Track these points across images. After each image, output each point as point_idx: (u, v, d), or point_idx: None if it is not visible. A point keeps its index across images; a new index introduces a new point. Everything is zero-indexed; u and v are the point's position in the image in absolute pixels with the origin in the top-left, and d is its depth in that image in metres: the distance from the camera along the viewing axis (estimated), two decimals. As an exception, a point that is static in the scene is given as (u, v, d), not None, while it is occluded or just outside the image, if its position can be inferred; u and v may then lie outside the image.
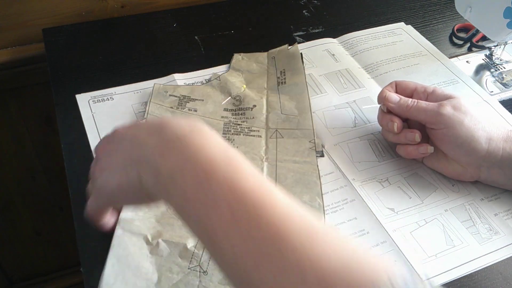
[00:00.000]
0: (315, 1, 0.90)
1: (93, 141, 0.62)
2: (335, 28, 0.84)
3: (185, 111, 0.64)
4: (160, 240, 0.50)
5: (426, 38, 0.82)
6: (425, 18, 0.88)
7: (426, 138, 0.60)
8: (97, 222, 0.48)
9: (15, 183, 1.03)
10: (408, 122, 0.61)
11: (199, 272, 0.48)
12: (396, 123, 0.59)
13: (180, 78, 0.72)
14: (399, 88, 0.62)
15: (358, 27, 0.83)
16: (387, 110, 0.61)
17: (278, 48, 0.75)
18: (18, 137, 0.96)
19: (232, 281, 0.33)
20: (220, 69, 0.74)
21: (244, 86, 0.68)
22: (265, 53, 0.75)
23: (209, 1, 0.89)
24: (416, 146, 0.59)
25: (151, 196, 0.38)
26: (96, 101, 0.68)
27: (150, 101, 0.65)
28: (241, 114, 0.65)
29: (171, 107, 0.64)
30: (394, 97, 0.59)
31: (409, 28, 0.84)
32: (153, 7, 0.88)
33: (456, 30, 0.84)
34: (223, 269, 0.33)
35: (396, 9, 0.89)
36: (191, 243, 0.50)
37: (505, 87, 0.74)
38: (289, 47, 0.75)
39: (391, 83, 0.63)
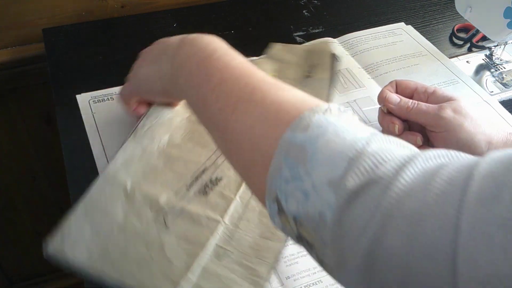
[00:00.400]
0: (315, 1, 0.90)
1: (94, 141, 0.62)
2: (335, 28, 0.84)
3: None
4: (137, 191, 0.53)
5: (426, 38, 0.82)
6: (425, 18, 0.88)
7: (426, 139, 0.59)
8: (126, 105, 0.60)
9: (15, 183, 1.03)
10: (408, 123, 0.61)
11: (162, 224, 0.51)
12: (397, 125, 0.59)
13: (180, 78, 0.71)
14: (399, 87, 0.62)
15: (358, 27, 0.83)
16: (387, 111, 0.60)
17: (313, 42, 0.76)
18: (18, 137, 0.96)
19: (214, 133, 0.44)
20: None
21: (273, 74, 0.67)
22: (302, 45, 0.76)
23: (209, 1, 0.89)
24: (408, 134, 0.59)
25: (166, 90, 0.52)
26: (97, 101, 0.68)
27: None
28: None
29: None
30: (395, 98, 0.59)
31: (409, 28, 0.84)
32: (153, 7, 0.88)
33: (456, 30, 0.84)
34: (208, 127, 0.44)
35: (396, 9, 0.89)
36: (163, 199, 0.53)
37: (505, 87, 0.75)
38: (326, 43, 0.76)
39: (391, 82, 0.62)
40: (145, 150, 0.57)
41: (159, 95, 0.56)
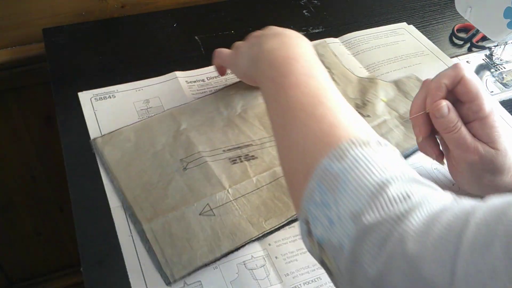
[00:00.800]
0: (315, 1, 0.90)
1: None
2: (335, 28, 0.84)
3: None
4: (185, 134, 0.62)
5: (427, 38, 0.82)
6: (425, 18, 0.88)
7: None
8: (217, 65, 0.67)
9: (15, 183, 1.03)
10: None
11: (182, 167, 0.58)
12: (421, 138, 0.53)
13: (181, 76, 0.72)
14: (459, 88, 0.50)
15: (358, 27, 0.83)
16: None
17: (369, 78, 0.73)
18: (18, 137, 0.96)
19: (274, 127, 0.47)
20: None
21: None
22: (358, 76, 0.73)
23: (209, 1, 0.89)
24: (434, 151, 0.54)
25: (249, 71, 0.56)
26: (98, 98, 0.68)
27: None
28: None
29: None
30: (444, 110, 0.50)
31: (411, 28, 0.84)
32: (153, 7, 0.88)
33: (456, 30, 0.84)
34: (271, 119, 0.47)
35: (396, 9, 0.89)
36: (199, 149, 0.60)
37: (505, 87, 0.75)
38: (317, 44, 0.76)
39: (455, 72, 0.51)
40: (217, 110, 0.66)
41: (243, 74, 0.61)
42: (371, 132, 0.40)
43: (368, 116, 0.65)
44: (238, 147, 0.61)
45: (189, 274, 0.50)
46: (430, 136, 0.54)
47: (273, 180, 0.58)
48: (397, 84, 0.70)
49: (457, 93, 0.51)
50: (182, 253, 0.51)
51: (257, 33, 0.59)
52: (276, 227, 0.54)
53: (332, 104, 0.43)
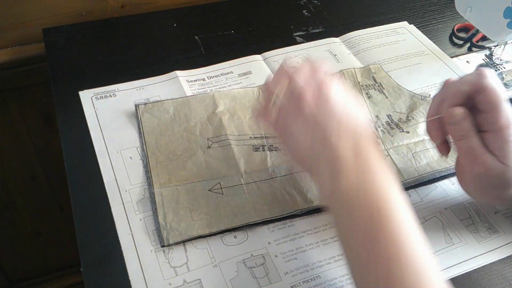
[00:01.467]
0: (315, 1, 0.90)
1: (96, 138, 0.62)
2: (335, 28, 0.84)
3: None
4: (219, 116, 0.65)
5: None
6: (425, 18, 0.88)
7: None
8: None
9: (15, 183, 1.03)
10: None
11: (207, 145, 0.62)
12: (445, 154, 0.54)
13: (182, 75, 0.72)
14: (481, 95, 0.49)
15: (358, 27, 0.83)
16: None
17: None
18: (18, 137, 0.96)
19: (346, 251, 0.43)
20: (221, 66, 0.74)
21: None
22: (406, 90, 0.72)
23: (209, 1, 0.89)
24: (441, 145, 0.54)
25: (306, 161, 0.49)
26: (99, 97, 0.68)
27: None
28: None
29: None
30: (460, 114, 0.49)
31: (412, 27, 0.84)
32: (153, 7, 0.88)
33: (456, 30, 0.84)
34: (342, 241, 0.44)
35: (396, 9, 0.89)
36: (227, 131, 0.63)
37: (505, 87, 0.75)
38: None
39: (432, 104, 0.53)
40: (257, 99, 0.68)
41: (298, 160, 0.50)
42: None
43: (408, 132, 0.65)
44: (265, 137, 0.63)
45: (183, 242, 0.52)
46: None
47: (288, 174, 0.59)
48: None
49: (476, 101, 0.49)
50: (182, 221, 0.53)
51: (298, 89, 0.49)
52: (276, 218, 0.55)
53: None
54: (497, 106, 0.48)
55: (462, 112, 0.49)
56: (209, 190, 0.57)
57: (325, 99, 0.47)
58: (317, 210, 0.56)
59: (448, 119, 0.50)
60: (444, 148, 0.54)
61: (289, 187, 0.58)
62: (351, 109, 0.47)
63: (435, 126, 0.53)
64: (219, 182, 0.58)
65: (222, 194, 0.57)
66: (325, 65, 0.51)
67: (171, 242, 0.52)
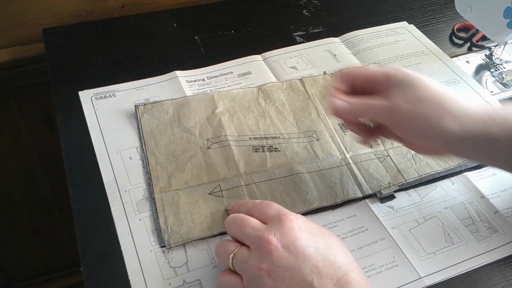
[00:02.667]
0: (315, 1, 0.90)
1: (96, 138, 0.62)
2: (335, 28, 0.84)
3: None
4: (218, 117, 0.65)
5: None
6: (425, 18, 0.88)
7: None
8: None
9: (15, 183, 1.03)
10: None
11: (206, 146, 0.62)
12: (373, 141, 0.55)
13: (182, 75, 0.72)
14: (356, 80, 0.53)
15: (358, 27, 0.83)
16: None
17: None
18: (18, 137, 0.96)
19: None
20: (221, 66, 0.74)
21: None
22: None
23: (209, 1, 0.89)
24: (366, 135, 0.55)
25: None
26: (99, 98, 0.68)
27: None
28: None
29: None
30: (345, 107, 0.52)
31: (412, 27, 0.84)
32: (153, 7, 0.88)
33: (456, 30, 0.84)
34: None
35: (395, 9, 0.89)
36: (227, 132, 0.63)
37: (505, 87, 0.75)
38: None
39: (341, 76, 0.54)
40: (256, 100, 0.68)
41: None
42: None
43: None
44: (265, 137, 0.63)
45: (184, 244, 0.52)
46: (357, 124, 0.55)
47: (288, 175, 0.59)
48: None
49: (360, 85, 0.53)
50: (183, 225, 0.54)
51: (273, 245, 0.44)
52: None
53: None
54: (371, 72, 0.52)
55: (337, 99, 0.52)
56: (209, 193, 0.57)
57: (294, 246, 0.43)
58: (316, 211, 0.57)
59: (332, 112, 0.53)
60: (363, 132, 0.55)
61: (289, 188, 0.58)
62: (322, 248, 0.44)
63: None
64: (219, 185, 0.58)
65: (222, 196, 0.57)
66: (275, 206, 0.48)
67: (172, 245, 0.52)
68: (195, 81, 0.71)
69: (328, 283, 0.42)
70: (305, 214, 0.56)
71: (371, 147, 0.58)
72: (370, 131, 0.55)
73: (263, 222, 0.47)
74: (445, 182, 0.60)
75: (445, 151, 0.52)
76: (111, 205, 0.55)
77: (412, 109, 0.49)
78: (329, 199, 0.57)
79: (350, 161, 0.61)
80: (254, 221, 0.47)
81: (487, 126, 0.48)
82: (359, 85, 0.53)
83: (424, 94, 0.49)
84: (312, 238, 0.44)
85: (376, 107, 0.50)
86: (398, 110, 0.49)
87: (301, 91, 0.70)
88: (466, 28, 0.85)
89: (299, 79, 0.71)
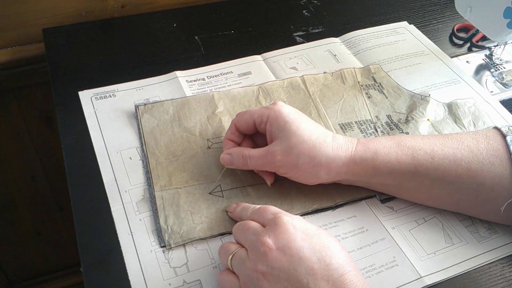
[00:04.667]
0: (315, 1, 0.90)
1: (96, 138, 0.62)
2: (335, 28, 0.84)
3: None
4: (217, 116, 0.65)
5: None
6: (425, 18, 0.88)
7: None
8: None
9: (15, 183, 1.03)
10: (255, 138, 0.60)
11: (207, 146, 0.62)
12: (268, 180, 0.57)
13: (181, 75, 0.72)
14: (240, 128, 0.58)
15: (358, 27, 0.83)
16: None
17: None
18: (18, 137, 0.96)
19: None
20: (221, 66, 0.74)
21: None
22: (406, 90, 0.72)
23: (209, 1, 0.89)
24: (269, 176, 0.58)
25: None
26: (99, 98, 0.68)
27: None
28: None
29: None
30: (227, 158, 0.56)
31: (412, 27, 0.84)
32: (153, 7, 0.88)
33: (456, 30, 0.84)
34: None
35: (396, 9, 0.89)
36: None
37: (505, 87, 0.75)
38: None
39: (230, 127, 0.58)
40: (256, 99, 0.68)
41: None
42: None
43: (407, 133, 0.64)
44: None
45: (184, 244, 0.52)
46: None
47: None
48: (450, 106, 0.68)
49: (245, 131, 0.58)
50: (183, 224, 0.54)
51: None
52: None
53: None
54: (251, 117, 0.56)
55: (230, 136, 0.58)
56: (209, 193, 0.57)
57: (288, 248, 0.44)
58: (316, 212, 0.57)
59: (226, 164, 0.57)
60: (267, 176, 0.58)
61: (289, 189, 0.58)
62: (318, 248, 0.44)
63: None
64: (219, 185, 0.58)
65: (222, 197, 0.57)
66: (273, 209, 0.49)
67: (172, 245, 0.52)
68: (195, 80, 0.71)
69: (323, 285, 0.42)
70: (305, 214, 0.56)
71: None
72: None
73: (263, 226, 0.47)
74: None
75: (329, 182, 0.57)
76: (111, 205, 0.55)
77: (286, 161, 0.53)
78: (329, 201, 0.57)
79: None
80: (254, 225, 0.47)
81: (353, 170, 0.54)
82: (245, 130, 0.57)
83: (296, 145, 0.52)
84: (308, 239, 0.44)
85: (254, 157, 0.55)
86: (274, 162, 0.54)
87: (301, 89, 0.70)
88: (466, 28, 0.85)
89: (300, 77, 0.71)
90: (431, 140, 0.54)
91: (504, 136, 0.53)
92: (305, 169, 0.53)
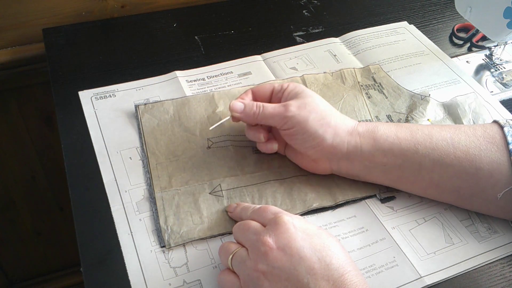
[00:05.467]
0: (315, 1, 0.90)
1: (96, 138, 0.62)
2: (335, 28, 0.84)
3: None
4: (218, 115, 0.65)
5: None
6: (425, 18, 0.88)
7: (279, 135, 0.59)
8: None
9: (15, 183, 1.03)
10: None
11: (207, 145, 0.62)
12: (262, 134, 0.58)
13: (181, 75, 0.72)
14: (257, 95, 0.59)
15: (358, 27, 0.83)
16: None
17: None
18: (18, 137, 0.96)
19: None
20: (221, 66, 0.74)
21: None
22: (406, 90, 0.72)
23: (209, 1, 0.89)
24: (264, 143, 0.59)
25: None
26: (99, 98, 0.68)
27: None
28: None
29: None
30: (238, 105, 0.57)
31: (412, 27, 0.84)
32: (153, 7, 0.88)
33: (456, 30, 0.84)
34: None
35: (396, 9, 0.89)
36: (227, 131, 0.63)
37: (505, 87, 0.75)
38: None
39: (246, 91, 0.60)
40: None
41: None
42: None
43: None
44: None
45: (184, 244, 0.52)
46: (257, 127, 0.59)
47: (288, 177, 0.59)
48: (449, 106, 0.68)
49: (261, 99, 0.59)
50: (183, 225, 0.54)
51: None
52: None
53: None
54: (271, 86, 0.59)
55: (244, 97, 0.58)
56: (209, 193, 0.57)
57: (289, 247, 0.44)
58: (316, 212, 0.57)
59: (235, 113, 0.57)
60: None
61: (289, 189, 0.58)
62: (319, 248, 0.44)
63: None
64: (219, 185, 0.58)
65: (222, 197, 0.57)
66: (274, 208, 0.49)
67: (172, 245, 0.52)
68: (195, 80, 0.71)
69: (324, 284, 0.42)
70: (305, 214, 0.56)
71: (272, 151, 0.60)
72: (266, 138, 0.59)
73: (263, 225, 0.47)
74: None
75: (330, 167, 0.58)
76: (111, 205, 0.55)
77: (298, 113, 0.54)
78: (329, 200, 0.57)
79: None
80: (254, 225, 0.47)
81: (355, 140, 0.55)
82: (261, 96, 0.59)
83: (311, 104, 0.55)
84: (308, 239, 0.44)
85: (268, 107, 0.56)
86: (287, 113, 0.54)
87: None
88: (466, 28, 0.85)
89: (300, 77, 0.71)
90: (428, 126, 0.57)
91: (501, 127, 0.54)
92: (313, 126, 0.54)
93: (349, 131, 0.55)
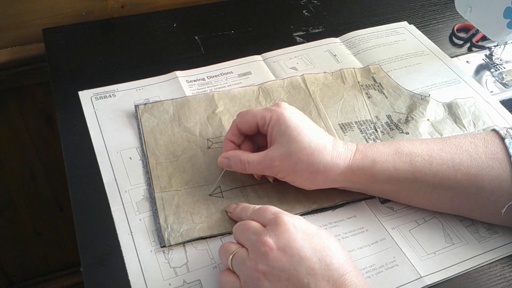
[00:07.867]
0: (315, 1, 0.90)
1: (96, 138, 0.62)
2: (335, 28, 0.84)
3: None
4: (218, 116, 0.65)
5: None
6: (425, 18, 0.88)
7: None
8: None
9: (15, 183, 1.03)
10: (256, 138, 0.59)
11: (206, 146, 0.62)
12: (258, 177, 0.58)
13: (181, 75, 0.72)
14: (242, 129, 0.57)
15: (358, 27, 0.83)
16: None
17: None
18: (18, 137, 0.96)
19: None
20: (221, 66, 0.74)
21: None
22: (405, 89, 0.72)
23: (209, 1, 0.89)
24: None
25: None
26: (99, 98, 0.68)
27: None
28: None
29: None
30: (225, 162, 0.56)
31: (412, 27, 0.84)
32: (153, 7, 0.88)
33: (456, 30, 0.84)
34: None
35: (396, 9, 0.89)
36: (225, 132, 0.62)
37: (505, 87, 0.75)
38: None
39: (231, 127, 0.57)
40: (257, 99, 0.68)
41: None
42: None
43: (407, 133, 0.64)
44: None
45: (184, 243, 0.52)
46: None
47: None
48: (450, 106, 0.68)
49: (246, 131, 0.57)
50: (183, 224, 0.54)
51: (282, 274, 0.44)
52: None
53: None
54: (254, 117, 0.56)
55: (230, 137, 0.57)
56: (209, 194, 0.57)
57: (289, 248, 0.44)
58: (316, 212, 0.57)
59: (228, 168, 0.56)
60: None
61: (289, 189, 0.58)
62: (319, 249, 0.44)
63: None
64: (219, 186, 0.58)
65: (222, 197, 0.57)
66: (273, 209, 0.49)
67: (172, 243, 0.52)
68: (195, 80, 0.71)
69: (324, 285, 0.42)
70: (305, 214, 0.56)
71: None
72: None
73: (263, 226, 0.47)
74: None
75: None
76: (111, 205, 0.55)
77: (283, 166, 0.53)
78: (329, 200, 0.57)
79: None
80: (254, 225, 0.47)
81: (350, 179, 0.54)
82: (247, 131, 0.57)
83: (295, 152, 0.52)
84: (308, 239, 0.44)
85: (253, 163, 0.54)
86: (272, 168, 0.54)
87: (302, 89, 0.70)
88: (466, 28, 0.85)
89: (300, 76, 0.71)
90: (429, 145, 0.54)
91: (502, 139, 0.53)
92: (302, 175, 0.53)
93: (342, 172, 0.53)
